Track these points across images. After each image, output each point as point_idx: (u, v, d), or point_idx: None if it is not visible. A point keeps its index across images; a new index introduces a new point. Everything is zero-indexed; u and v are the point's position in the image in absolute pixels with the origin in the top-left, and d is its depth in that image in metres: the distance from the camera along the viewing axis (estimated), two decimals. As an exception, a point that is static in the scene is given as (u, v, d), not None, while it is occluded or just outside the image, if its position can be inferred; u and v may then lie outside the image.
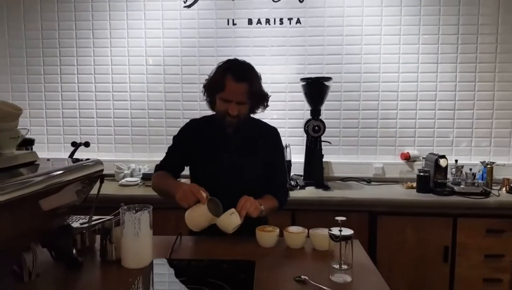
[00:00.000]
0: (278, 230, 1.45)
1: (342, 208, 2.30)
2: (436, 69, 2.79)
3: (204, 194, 1.35)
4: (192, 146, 1.62)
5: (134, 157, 2.96)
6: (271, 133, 1.68)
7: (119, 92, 2.98)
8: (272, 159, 1.65)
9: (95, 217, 1.40)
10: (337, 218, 1.20)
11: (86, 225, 1.36)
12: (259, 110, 1.63)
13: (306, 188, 2.52)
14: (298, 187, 2.48)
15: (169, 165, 1.65)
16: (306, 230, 1.45)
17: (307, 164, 2.61)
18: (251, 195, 1.46)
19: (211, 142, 1.61)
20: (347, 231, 1.19)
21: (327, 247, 1.33)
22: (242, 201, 1.41)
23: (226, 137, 1.60)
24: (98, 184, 1.22)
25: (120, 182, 2.67)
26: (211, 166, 1.59)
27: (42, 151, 3.04)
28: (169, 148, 1.71)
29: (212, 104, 1.61)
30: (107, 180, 2.83)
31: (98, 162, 1.19)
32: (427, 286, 2.32)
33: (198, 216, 1.35)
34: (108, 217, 1.39)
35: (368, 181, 2.75)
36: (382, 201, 2.33)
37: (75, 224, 1.37)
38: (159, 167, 1.68)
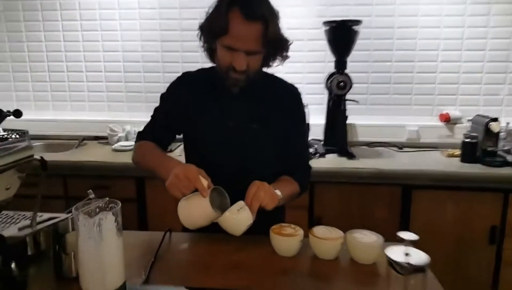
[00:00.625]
0: (301, 232, 1.05)
1: (371, 181, 1.95)
2: (488, 10, 2.27)
3: (205, 183, 0.99)
4: (184, 110, 1.22)
5: (130, 117, 2.60)
6: (291, 94, 1.26)
7: (109, 42, 2.56)
8: (291, 129, 1.25)
9: (45, 215, 1.04)
10: (401, 235, 0.78)
11: (28, 229, 0.99)
12: (275, 63, 1.19)
13: (327, 156, 2.14)
14: (318, 155, 2.11)
15: (154, 134, 1.27)
16: (342, 235, 1.03)
17: (328, 127, 2.22)
18: (265, 179, 1.11)
19: (210, 106, 1.21)
20: (417, 256, 0.77)
21: (373, 259, 0.98)
22: (254, 189, 1.03)
23: (230, 99, 1.19)
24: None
25: (113, 146, 2.33)
26: (210, 140, 1.20)
27: (28, 110, 2.70)
28: (155, 110, 1.31)
29: (211, 53, 1.17)
30: (99, 143, 2.50)
31: (28, 147, 0.81)
32: (468, 270, 1.99)
33: (195, 211, 1.00)
34: (62, 216, 1.03)
35: (400, 147, 2.35)
36: (419, 173, 1.94)
37: (11, 230, 1.00)
38: (142, 135, 1.30)
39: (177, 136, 1.31)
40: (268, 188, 1.06)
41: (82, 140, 2.49)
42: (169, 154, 2.02)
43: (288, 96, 1.25)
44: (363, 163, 2.02)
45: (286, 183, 1.20)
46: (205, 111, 1.21)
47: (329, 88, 2.08)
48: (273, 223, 1.10)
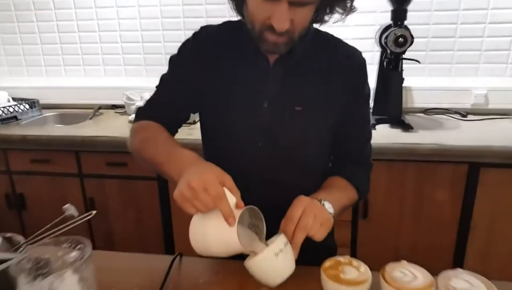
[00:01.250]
0: (369, 275, 0.70)
1: (432, 158, 1.61)
2: None
3: (232, 201, 0.68)
4: (200, 81, 0.90)
5: (148, 83, 2.31)
6: (354, 63, 0.90)
7: (122, -5, 2.24)
8: (353, 113, 0.91)
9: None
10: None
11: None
12: (333, 18, 0.82)
13: (377, 126, 1.81)
14: (367, 126, 1.77)
15: (159, 111, 0.94)
16: (431, 280, 0.66)
17: (380, 92, 1.86)
18: (313, 185, 0.85)
19: (236, 78, 0.88)
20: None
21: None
22: (298, 212, 0.74)
23: (265, 70, 0.86)
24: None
25: (130, 117, 2.08)
26: (235, 126, 0.88)
27: (39, 76, 2.46)
28: (161, 79, 0.97)
29: (239, 3, 0.82)
30: (117, 113, 2.25)
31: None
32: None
33: (214, 238, 0.69)
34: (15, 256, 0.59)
35: (464, 114, 1.98)
36: (490, 150, 1.59)
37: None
38: (143, 112, 0.95)
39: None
40: (319, 210, 0.75)
41: (98, 109, 2.25)
42: (191, 128, 1.75)
43: (350, 67, 0.88)
44: (421, 137, 1.68)
45: (340, 191, 0.88)
46: (229, 84, 0.87)
47: (384, 44, 1.70)
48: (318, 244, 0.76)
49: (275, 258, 0.67)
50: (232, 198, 0.67)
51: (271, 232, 0.74)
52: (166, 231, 1.88)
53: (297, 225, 0.72)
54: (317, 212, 0.74)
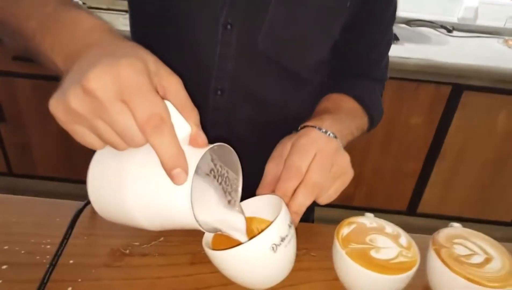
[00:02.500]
0: (417, 251, 0.42)
1: (415, 76, 1.41)
2: None
3: (184, 135, 0.34)
4: None
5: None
6: None
7: None
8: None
9: None
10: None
11: None
12: None
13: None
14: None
15: None
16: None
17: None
18: (301, 103, 0.60)
19: None
20: None
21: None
22: (306, 158, 0.44)
23: None
24: None
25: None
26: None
27: None
28: None
29: None
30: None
31: None
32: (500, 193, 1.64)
33: (140, 203, 0.35)
34: None
35: (450, 29, 1.74)
36: (479, 70, 1.40)
37: None
38: None
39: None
40: (339, 155, 0.46)
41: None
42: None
43: None
44: (408, 51, 1.44)
45: (349, 118, 0.58)
46: None
47: None
48: None
49: (271, 253, 0.36)
50: (181, 123, 0.34)
51: (249, 188, 0.45)
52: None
53: (304, 180, 0.44)
54: (336, 160, 0.45)
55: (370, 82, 0.65)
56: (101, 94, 0.30)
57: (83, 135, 0.33)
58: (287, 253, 0.38)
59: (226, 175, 0.42)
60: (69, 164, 1.64)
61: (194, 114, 0.35)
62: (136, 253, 0.48)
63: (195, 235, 0.48)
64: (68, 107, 0.31)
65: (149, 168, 0.34)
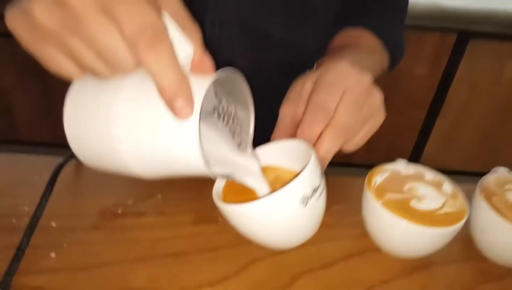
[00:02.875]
0: (464, 199, 0.36)
1: (422, 23, 1.32)
2: None
3: (186, 55, 0.26)
4: None
5: None
6: None
7: None
8: None
9: None
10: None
11: None
12: None
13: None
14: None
15: None
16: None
17: None
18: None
19: None
20: None
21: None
22: (334, 96, 0.36)
23: None
24: None
25: None
26: None
27: None
28: None
29: None
30: None
31: None
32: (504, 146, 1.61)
33: (133, 145, 0.27)
34: None
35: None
36: (490, 14, 1.32)
37: None
38: None
39: None
40: (371, 92, 0.38)
41: None
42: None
43: None
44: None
45: (369, 55, 0.50)
46: None
47: None
48: None
49: (301, 207, 0.30)
50: (181, 42, 0.25)
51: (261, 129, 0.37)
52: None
53: (332, 122, 0.35)
54: (368, 99, 0.37)
55: (390, 12, 0.57)
56: (76, 1, 0.22)
57: (55, 60, 0.25)
58: (318, 208, 0.31)
59: (233, 113, 0.34)
60: (52, 124, 1.54)
61: (196, 31, 0.27)
62: (130, 212, 0.41)
63: (197, 191, 0.41)
64: (32, 21, 0.23)
65: (143, 100, 0.26)
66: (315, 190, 0.30)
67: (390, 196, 0.35)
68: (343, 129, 0.35)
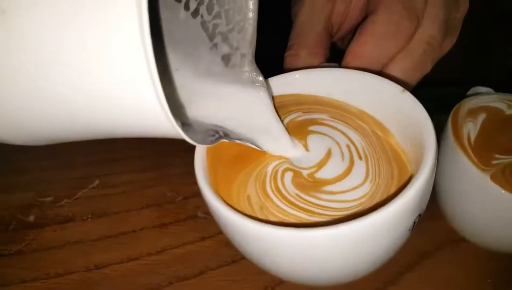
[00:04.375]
0: None
1: None
2: None
3: None
4: None
5: None
6: None
7: None
8: None
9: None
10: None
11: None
12: None
13: None
14: None
15: None
16: None
17: None
18: None
19: None
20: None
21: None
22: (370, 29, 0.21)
23: None
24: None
25: None
26: None
27: None
28: None
29: None
30: None
31: None
32: None
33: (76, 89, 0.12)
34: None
35: None
36: None
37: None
38: None
39: None
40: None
41: None
42: None
43: None
44: None
45: None
46: None
47: None
48: None
49: (406, 234, 0.15)
50: None
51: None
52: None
53: (416, 35, 0.21)
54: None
55: None
56: None
57: None
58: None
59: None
60: None
61: None
62: (48, 217, 0.25)
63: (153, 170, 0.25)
64: None
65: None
66: (423, 209, 0.16)
67: (500, 159, 0.19)
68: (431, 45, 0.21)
